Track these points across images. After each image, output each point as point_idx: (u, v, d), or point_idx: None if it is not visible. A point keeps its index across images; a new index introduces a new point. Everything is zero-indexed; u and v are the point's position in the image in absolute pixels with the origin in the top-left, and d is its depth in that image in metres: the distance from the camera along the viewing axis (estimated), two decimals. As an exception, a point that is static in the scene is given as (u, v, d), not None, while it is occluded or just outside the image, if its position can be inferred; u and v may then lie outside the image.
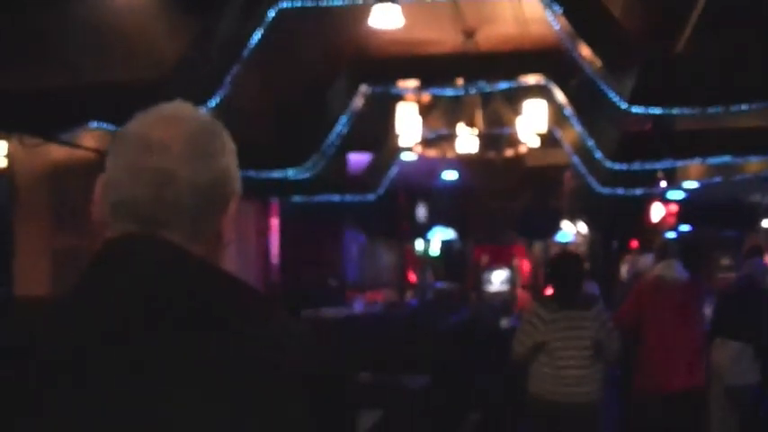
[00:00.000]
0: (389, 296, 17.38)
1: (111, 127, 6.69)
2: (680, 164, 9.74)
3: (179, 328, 1.26)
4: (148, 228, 1.34)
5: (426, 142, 10.39)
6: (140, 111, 1.41)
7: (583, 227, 21.41)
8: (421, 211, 20.20)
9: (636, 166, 9.31)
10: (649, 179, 11.24)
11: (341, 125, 9.27)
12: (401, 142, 10.52)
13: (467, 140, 10.31)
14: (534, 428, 6.36)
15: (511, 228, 19.73)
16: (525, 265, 22.14)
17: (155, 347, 1.24)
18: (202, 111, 1.48)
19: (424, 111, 10.80)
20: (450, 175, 15.73)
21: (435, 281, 21.18)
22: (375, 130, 11.53)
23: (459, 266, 22.25)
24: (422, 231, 20.79)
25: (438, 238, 21.46)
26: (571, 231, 20.91)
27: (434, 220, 20.68)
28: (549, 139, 10.41)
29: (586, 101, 8.74)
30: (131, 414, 1.21)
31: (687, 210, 17.09)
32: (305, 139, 9.30)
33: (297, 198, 12.55)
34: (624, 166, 9.51)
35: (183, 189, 1.35)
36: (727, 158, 9.19)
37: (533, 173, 15.12)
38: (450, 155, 10.53)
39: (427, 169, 14.08)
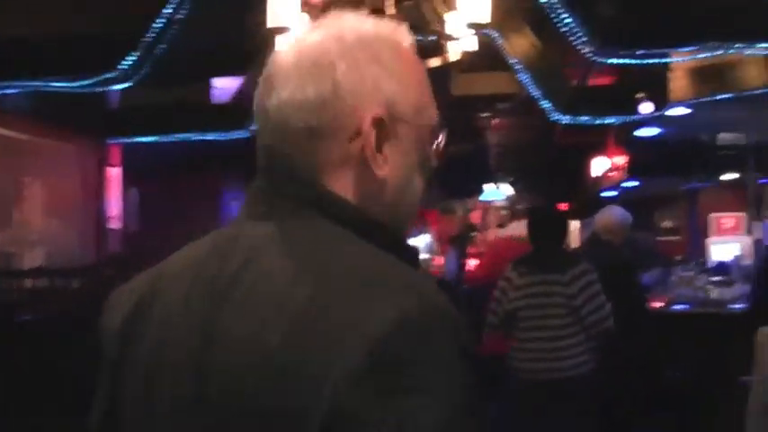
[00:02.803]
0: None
1: None
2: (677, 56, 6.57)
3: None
4: (269, 159, 1.38)
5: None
6: None
7: (507, 187, 18.56)
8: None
9: (638, 56, 6.07)
10: (628, 101, 8.11)
11: (172, 5, 5.80)
12: (278, 46, 7.11)
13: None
14: (517, 409, 5.89)
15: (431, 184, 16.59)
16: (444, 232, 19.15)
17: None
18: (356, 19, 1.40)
19: (315, 9, 7.57)
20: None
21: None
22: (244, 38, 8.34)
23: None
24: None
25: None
26: (500, 190, 17.94)
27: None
28: (485, 60, 7.29)
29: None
30: None
31: (637, 160, 13.96)
32: (116, 24, 5.88)
33: (144, 137, 9.13)
34: (623, 60, 6.28)
35: (287, 110, 1.33)
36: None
37: (461, 105, 11.88)
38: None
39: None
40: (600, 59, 6.27)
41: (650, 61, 6.28)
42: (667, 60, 6.81)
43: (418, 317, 1.14)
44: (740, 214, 15.55)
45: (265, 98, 1.36)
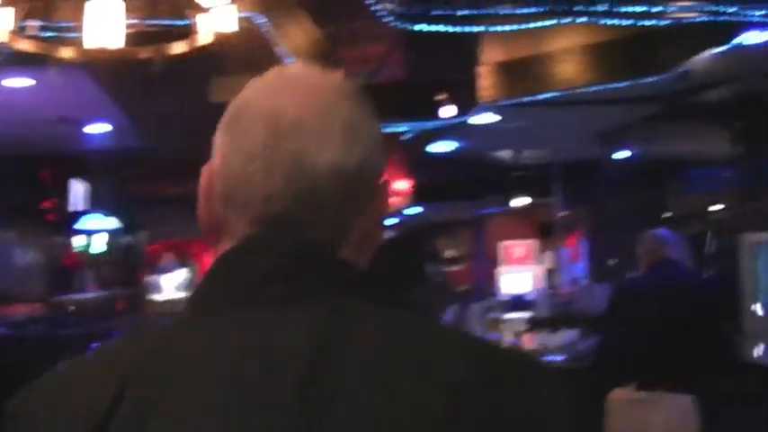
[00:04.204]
0: (33, 310, 12.15)
1: None
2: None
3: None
4: (279, 229, 1.07)
5: (21, 33, 5.47)
6: None
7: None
8: (76, 189, 14.53)
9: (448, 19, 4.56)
10: (429, 105, 6.63)
11: None
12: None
13: (100, 22, 5.13)
14: None
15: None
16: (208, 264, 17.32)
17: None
18: (335, 74, 1.16)
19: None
20: (98, 128, 10.53)
21: (101, 287, 16.30)
22: None
23: (132, 268, 17.18)
24: (72, 219, 15.16)
25: (94, 227, 15.94)
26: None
27: (96, 203, 15.17)
28: (252, 60, 5.91)
29: None
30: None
31: (425, 185, 12.68)
32: None
33: None
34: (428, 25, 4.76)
35: (324, 176, 1.07)
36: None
37: (221, 114, 10.13)
38: (69, 54, 5.49)
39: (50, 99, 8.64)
40: (401, 24, 4.76)
41: (461, 29, 4.81)
42: (481, 30, 5.36)
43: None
44: (531, 241, 14.69)
45: (289, 158, 1.07)
